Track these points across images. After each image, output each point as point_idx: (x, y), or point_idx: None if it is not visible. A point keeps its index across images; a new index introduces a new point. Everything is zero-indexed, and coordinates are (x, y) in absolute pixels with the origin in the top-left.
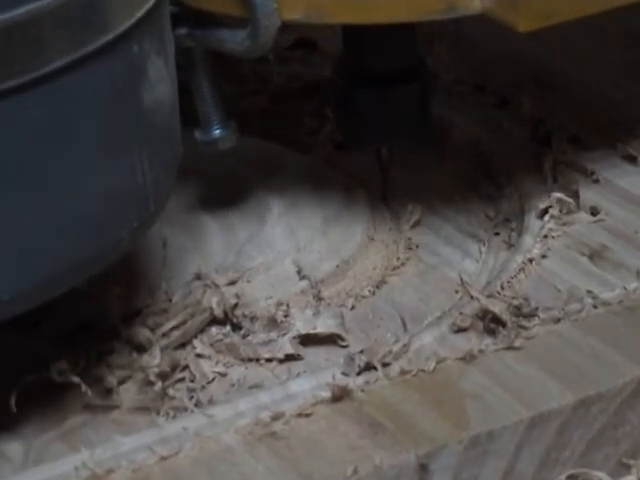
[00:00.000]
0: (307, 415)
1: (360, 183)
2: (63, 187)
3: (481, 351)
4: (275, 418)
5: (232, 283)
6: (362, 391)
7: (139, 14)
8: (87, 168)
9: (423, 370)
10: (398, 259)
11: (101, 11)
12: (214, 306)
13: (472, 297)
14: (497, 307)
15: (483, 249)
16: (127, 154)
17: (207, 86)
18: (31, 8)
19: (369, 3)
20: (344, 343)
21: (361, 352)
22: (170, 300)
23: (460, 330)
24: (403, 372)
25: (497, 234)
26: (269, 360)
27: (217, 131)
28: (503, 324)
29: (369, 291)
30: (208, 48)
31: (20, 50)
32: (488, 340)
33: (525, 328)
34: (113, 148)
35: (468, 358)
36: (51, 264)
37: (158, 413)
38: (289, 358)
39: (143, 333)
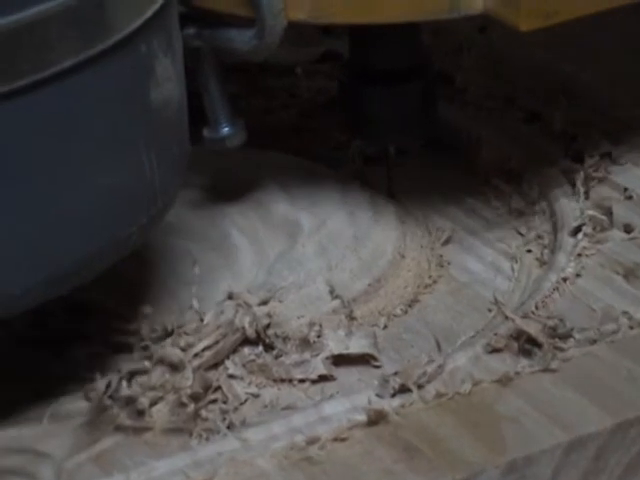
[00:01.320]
0: (342, 439)
1: (390, 199)
2: (72, 184)
3: (517, 373)
4: (310, 442)
5: (264, 303)
6: (397, 414)
7: (147, 15)
8: (96, 165)
9: (459, 393)
10: (430, 277)
11: (109, 12)
12: (246, 326)
13: (507, 318)
14: (532, 328)
15: (515, 267)
16: (135, 151)
17: (215, 85)
18: (40, 9)
19: (374, 3)
20: (377, 363)
21: (395, 374)
22: (202, 320)
23: (495, 351)
24: (439, 395)
25: (529, 251)
26: (302, 381)
27: (225, 129)
28: (539, 345)
29: (401, 310)
30: (216, 48)
31: (29, 50)
32: (524, 362)
33: (561, 350)
34: (121, 145)
35: (504, 380)
36: (61, 259)
37: (191, 435)
38: (322, 379)
39: (175, 353)
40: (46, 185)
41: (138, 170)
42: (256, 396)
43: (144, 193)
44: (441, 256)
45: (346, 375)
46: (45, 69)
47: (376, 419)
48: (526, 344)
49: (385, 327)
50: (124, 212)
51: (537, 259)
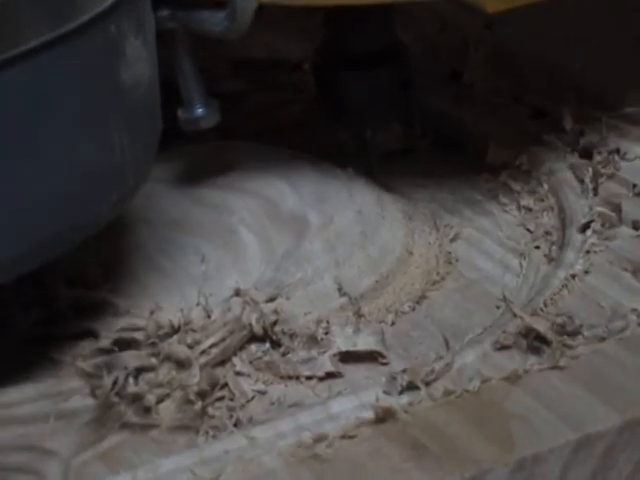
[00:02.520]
0: (350, 437)
1: (398, 195)
2: (41, 162)
3: (526, 371)
4: (318, 440)
5: (271, 300)
6: (406, 412)
7: None
8: (65, 144)
9: (467, 391)
10: (438, 274)
11: None
12: (253, 323)
13: (515, 315)
14: (541, 325)
15: (524, 263)
16: (105, 130)
17: (189, 66)
18: None
19: None
20: (385, 360)
21: (403, 371)
22: (209, 317)
23: (503, 348)
24: (447, 393)
25: (537, 248)
26: (309, 378)
27: (199, 110)
28: (547, 342)
29: (409, 307)
30: (189, 29)
31: None
32: (532, 359)
33: (569, 347)
34: (91, 124)
35: (513, 378)
36: (29, 235)
37: (198, 432)
38: (329, 376)
39: (182, 350)
40: (14, 163)
41: (108, 148)
42: (263, 393)
43: (114, 171)
44: (449, 253)
45: (353, 372)
46: (13, 48)
47: (384, 417)
48: (535, 341)
49: (393, 324)
50: (94, 189)
51: (545, 256)
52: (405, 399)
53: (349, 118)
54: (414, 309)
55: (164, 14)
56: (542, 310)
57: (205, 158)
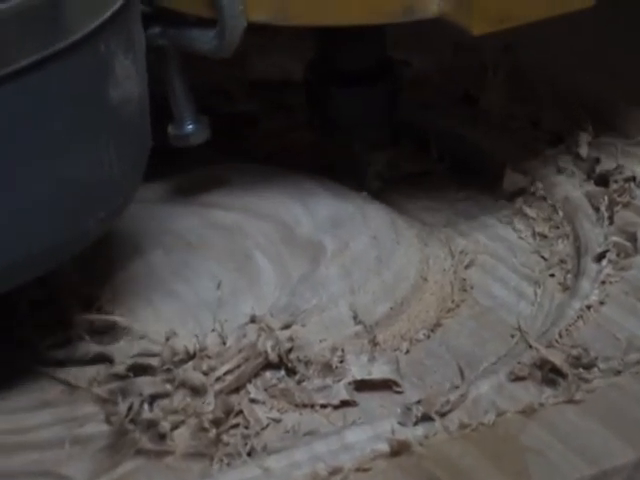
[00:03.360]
0: (365, 470)
1: (412, 219)
2: (30, 178)
3: (541, 404)
4: (333, 473)
5: (287, 327)
6: (421, 445)
7: (105, 15)
8: (54, 161)
9: (483, 424)
10: (453, 301)
11: (67, 12)
12: (269, 350)
13: (531, 347)
14: (556, 358)
15: (538, 291)
16: (94, 148)
17: (180, 83)
18: None
19: (331, 6)
20: (399, 389)
21: (418, 402)
22: (224, 343)
23: (518, 379)
24: (462, 425)
25: (552, 276)
26: (324, 406)
27: (189, 126)
28: (563, 375)
29: (424, 334)
30: (180, 47)
31: None
32: (548, 392)
33: (585, 380)
34: (80, 142)
35: (528, 411)
36: (16, 251)
37: (212, 460)
38: (344, 404)
39: (197, 377)
40: (4, 179)
41: (97, 166)
42: (278, 421)
43: (103, 188)
44: (464, 280)
45: (368, 401)
46: (3, 67)
47: (399, 449)
48: (550, 373)
49: (407, 352)
50: (82, 206)
51: (560, 284)
52: (420, 431)
53: (340, 134)
54: (429, 337)
55: (155, 32)
56: (557, 341)
57: (220, 180)
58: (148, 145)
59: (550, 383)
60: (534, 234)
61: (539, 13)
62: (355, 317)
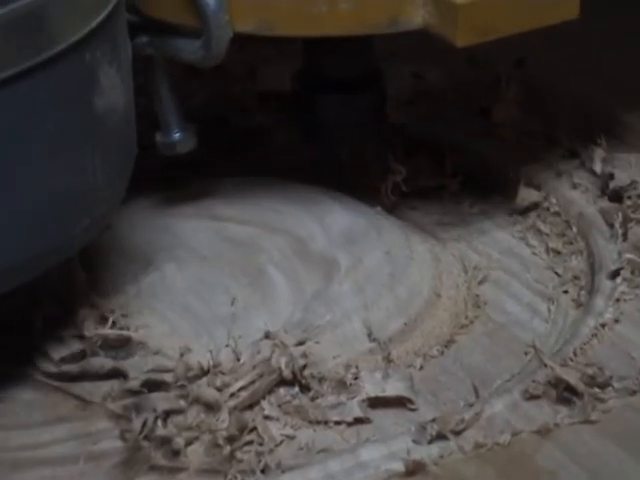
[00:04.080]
0: None
1: (425, 234)
2: (14, 186)
3: (556, 424)
4: None
5: (301, 343)
6: (436, 465)
7: (91, 25)
8: (38, 170)
9: (498, 444)
10: (466, 317)
11: (52, 23)
12: (283, 367)
13: (546, 365)
14: (571, 377)
15: (552, 308)
16: (79, 156)
17: (167, 92)
18: None
19: (316, 17)
20: (413, 406)
21: (433, 421)
22: (238, 359)
23: (532, 398)
24: (477, 445)
25: (566, 292)
26: (338, 423)
27: (176, 135)
28: (577, 394)
29: (438, 351)
30: (166, 56)
31: None
32: (563, 411)
33: (600, 400)
34: (64, 151)
35: (543, 432)
36: (2, 256)
37: (226, 477)
38: (358, 421)
39: (211, 394)
40: None
41: (81, 174)
42: (292, 438)
43: (87, 196)
44: (477, 296)
45: (382, 418)
46: None
47: (414, 469)
48: (565, 392)
49: (421, 368)
50: (67, 214)
51: (574, 300)
52: (435, 450)
53: (326, 141)
54: (442, 353)
55: (142, 41)
56: (572, 360)
57: (234, 194)
58: (133, 153)
59: (565, 402)
60: (548, 250)
61: (523, 25)
62: (369, 334)
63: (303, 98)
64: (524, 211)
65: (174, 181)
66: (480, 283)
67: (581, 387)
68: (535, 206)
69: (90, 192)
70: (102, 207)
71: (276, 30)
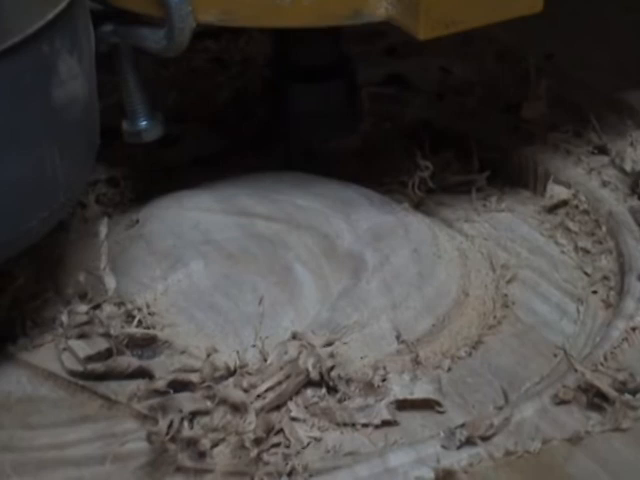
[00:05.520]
0: None
1: (453, 231)
2: None
3: (587, 432)
4: None
5: (328, 344)
6: (466, 472)
7: (49, 16)
8: None
9: (528, 451)
10: (495, 317)
11: (7, 15)
12: (310, 368)
13: (576, 371)
14: (602, 382)
15: (581, 309)
16: (36, 148)
17: (133, 80)
18: None
19: (279, 9)
20: (441, 409)
21: (462, 426)
22: (265, 360)
23: (562, 403)
24: (508, 453)
25: (595, 292)
26: (365, 425)
27: (143, 123)
28: (608, 400)
29: (465, 352)
30: (131, 45)
31: None
32: (593, 418)
33: (632, 407)
34: (21, 142)
35: (574, 439)
36: None
37: (252, 479)
38: (385, 424)
39: (238, 395)
40: None
41: (39, 166)
42: (318, 440)
43: (45, 188)
44: (506, 295)
45: (409, 420)
46: None
47: (444, 478)
48: (595, 398)
49: (449, 369)
50: (24, 206)
51: (603, 301)
52: (464, 456)
53: (298, 130)
54: (470, 354)
55: (107, 29)
56: (602, 364)
57: (261, 189)
58: (96, 144)
59: (595, 408)
60: (576, 249)
61: (486, 18)
62: (398, 337)
63: (274, 86)
64: (553, 208)
65: (201, 175)
66: (508, 282)
67: (612, 393)
68: (564, 204)
69: (49, 184)
70: (60, 199)
71: (238, 21)
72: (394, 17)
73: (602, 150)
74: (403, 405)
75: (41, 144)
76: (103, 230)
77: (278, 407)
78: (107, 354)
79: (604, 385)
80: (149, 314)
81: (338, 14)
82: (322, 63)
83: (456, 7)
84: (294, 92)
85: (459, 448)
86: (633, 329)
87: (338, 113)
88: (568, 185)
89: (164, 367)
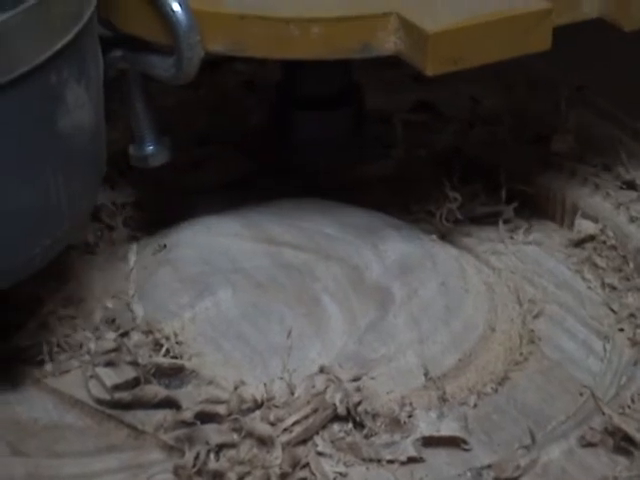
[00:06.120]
0: None
1: (480, 262)
2: None
3: (615, 478)
4: None
5: (356, 379)
6: None
7: (57, 46)
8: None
9: None
10: (521, 354)
11: (14, 46)
12: (337, 403)
13: (604, 414)
14: (629, 426)
15: (607, 347)
16: (41, 176)
17: (141, 105)
18: None
19: (288, 40)
20: (467, 447)
21: (489, 467)
22: (292, 393)
23: (589, 445)
24: None
25: (621, 330)
26: (391, 462)
27: (150, 147)
28: (635, 444)
29: (492, 388)
30: (140, 71)
31: None
32: (621, 463)
33: None
34: (25, 170)
35: None
36: None
37: None
38: (411, 460)
39: (265, 429)
40: None
41: (44, 194)
42: (344, 475)
43: (49, 216)
44: (532, 331)
45: (435, 457)
46: None
47: None
48: (622, 442)
49: (475, 406)
50: (27, 234)
51: (629, 339)
52: None
53: (304, 157)
54: (496, 390)
55: (117, 55)
56: (629, 407)
57: (290, 216)
58: (102, 171)
59: (623, 452)
60: (603, 285)
61: (494, 55)
62: (426, 374)
63: (280, 112)
64: (580, 243)
65: (228, 199)
66: (535, 317)
67: (639, 438)
68: (591, 238)
69: (52, 212)
70: (64, 227)
71: (247, 51)
72: (402, 52)
73: (631, 185)
74: (429, 442)
75: (46, 173)
76: (132, 257)
77: (304, 441)
78: (134, 383)
79: (631, 429)
80: (177, 343)
81: (347, 47)
82: (329, 92)
83: (465, 43)
84: (301, 119)
85: None
86: None
87: (342, 142)
88: (596, 220)
89: (191, 397)
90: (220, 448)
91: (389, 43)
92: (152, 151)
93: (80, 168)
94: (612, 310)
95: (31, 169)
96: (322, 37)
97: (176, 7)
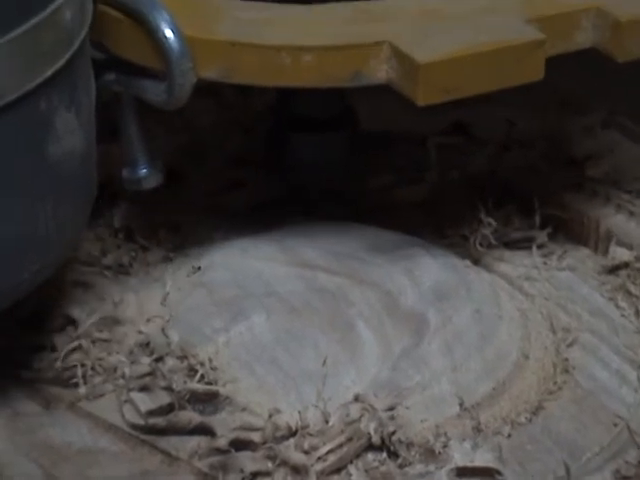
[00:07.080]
0: None
1: (513, 289)
2: None
3: None
4: None
5: (390, 409)
6: None
7: (47, 74)
8: None
9: None
10: (555, 383)
11: (4, 71)
12: (372, 432)
13: (639, 447)
14: None
15: None
16: (30, 203)
17: (134, 128)
18: None
19: (280, 68)
20: (501, 478)
21: None
22: (327, 421)
23: (624, 479)
24: None
25: None
26: None
27: (143, 170)
28: None
29: (526, 418)
30: (132, 95)
31: None
32: None
33: None
34: (13, 197)
35: None
36: None
37: None
38: None
39: (299, 457)
40: None
41: (31, 220)
42: None
43: (37, 242)
44: (566, 360)
45: None
46: None
47: None
48: None
49: (509, 436)
50: (16, 259)
51: None
52: None
53: (298, 179)
54: (530, 420)
55: (110, 78)
56: None
57: (324, 240)
58: (92, 196)
59: None
60: (637, 313)
61: (486, 85)
62: (461, 404)
63: (275, 134)
64: (614, 269)
65: (262, 221)
66: (569, 346)
67: None
68: (625, 265)
69: (41, 238)
70: (52, 253)
71: (239, 78)
72: (394, 81)
73: None
74: (463, 472)
75: (35, 199)
76: (168, 282)
77: (338, 470)
78: (169, 409)
79: None
80: (211, 369)
81: (338, 76)
82: (324, 115)
83: (456, 74)
84: (293, 142)
85: None
86: None
87: (338, 165)
88: (630, 247)
89: (225, 424)
90: (254, 476)
91: (381, 72)
92: (145, 174)
93: (70, 193)
94: None
95: (19, 196)
96: (313, 65)
97: (169, 34)
